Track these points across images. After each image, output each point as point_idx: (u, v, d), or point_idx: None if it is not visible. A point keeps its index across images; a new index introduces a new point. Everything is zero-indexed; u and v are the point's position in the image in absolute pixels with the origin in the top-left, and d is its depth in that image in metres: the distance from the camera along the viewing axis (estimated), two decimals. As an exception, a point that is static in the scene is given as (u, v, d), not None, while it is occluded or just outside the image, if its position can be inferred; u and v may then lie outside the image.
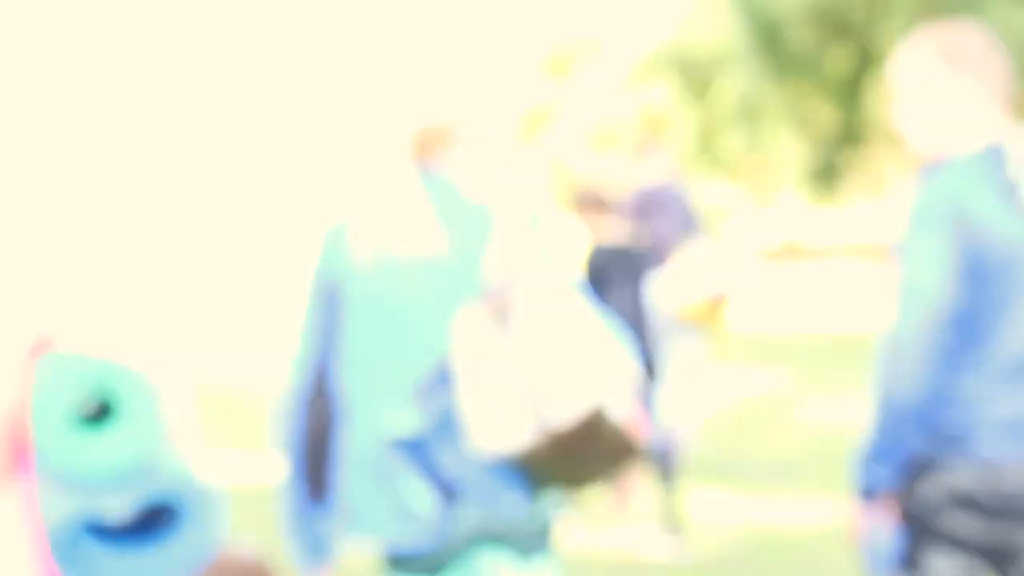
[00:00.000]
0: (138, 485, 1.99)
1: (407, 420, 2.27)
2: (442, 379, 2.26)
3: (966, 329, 2.35)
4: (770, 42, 19.82)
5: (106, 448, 1.93)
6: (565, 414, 2.17)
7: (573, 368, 2.20)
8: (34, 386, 1.90)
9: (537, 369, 2.18)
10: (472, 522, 2.30)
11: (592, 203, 5.55)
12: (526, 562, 2.36)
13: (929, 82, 2.43)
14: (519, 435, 2.17)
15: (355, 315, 2.33)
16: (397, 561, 2.35)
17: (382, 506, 2.32)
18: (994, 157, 2.36)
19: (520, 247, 2.33)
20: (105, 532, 2.03)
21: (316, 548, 2.41)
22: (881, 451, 2.41)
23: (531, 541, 2.37)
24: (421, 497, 2.28)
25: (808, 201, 22.04)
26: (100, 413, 1.96)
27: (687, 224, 6.60)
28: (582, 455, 2.26)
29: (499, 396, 2.18)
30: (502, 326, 2.21)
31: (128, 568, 2.04)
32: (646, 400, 2.52)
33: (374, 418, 2.31)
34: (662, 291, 6.02)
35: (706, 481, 6.27)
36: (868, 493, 2.42)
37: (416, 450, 2.28)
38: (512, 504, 2.31)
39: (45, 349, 1.93)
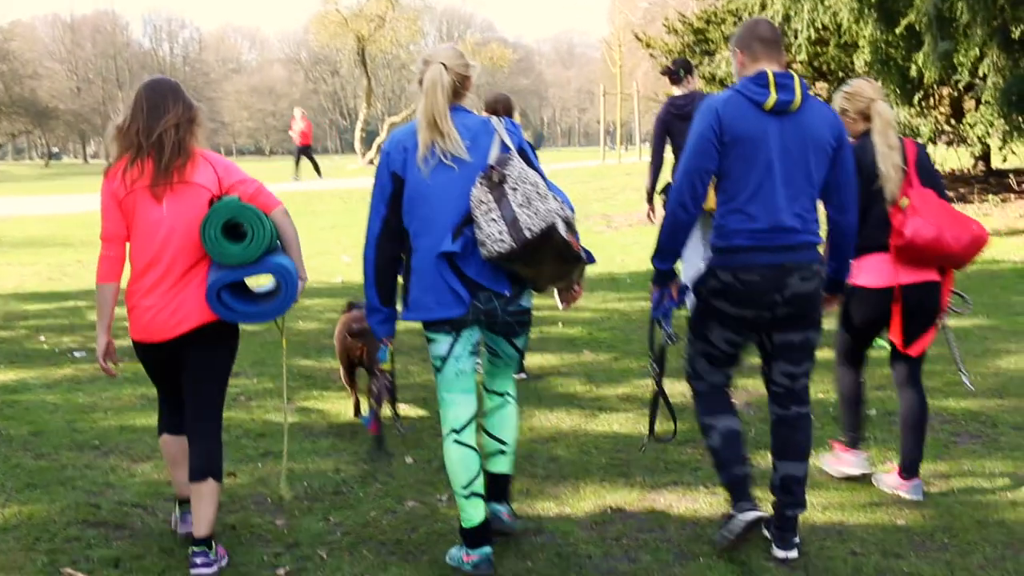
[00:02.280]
0: (254, 268, 4.17)
1: (450, 245, 4.05)
2: (468, 221, 4.05)
3: (727, 183, 4.22)
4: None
5: (235, 249, 4.12)
6: (537, 226, 3.91)
7: (537, 203, 3.95)
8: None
9: (515, 207, 3.92)
10: (484, 303, 4.14)
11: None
12: (512, 339, 4.33)
13: (732, 45, 4.48)
14: (505, 242, 3.92)
15: (413, 187, 4.14)
16: (437, 326, 4.21)
17: (432, 296, 4.14)
18: (760, 79, 4.21)
19: (505, 144, 4.16)
20: (235, 291, 4.22)
21: (386, 326, 4.36)
22: (662, 252, 4.32)
23: (516, 325, 4.27)
24: (458, 281, 4.10)
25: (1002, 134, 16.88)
26: (236, 230, 4.13)
27: None
28: (543, 258, 4.02)
29: (494, 223, 3.94)
30: (499, 191, 3.97)
31: (245, 311, 4.22)
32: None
33: (429, 245, 4.11)
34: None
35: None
36: (657, 276, 4.41)
37: (454, 260, 4.10)
38: (506, 291, 4.14)
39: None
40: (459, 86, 4.19)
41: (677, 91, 8.39)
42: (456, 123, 4.13)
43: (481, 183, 4.01)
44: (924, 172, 4.96)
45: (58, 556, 4.41)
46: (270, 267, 4.24)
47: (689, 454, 5.65)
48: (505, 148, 4.12)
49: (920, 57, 15.35)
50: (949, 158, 21.67)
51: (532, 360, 7.87)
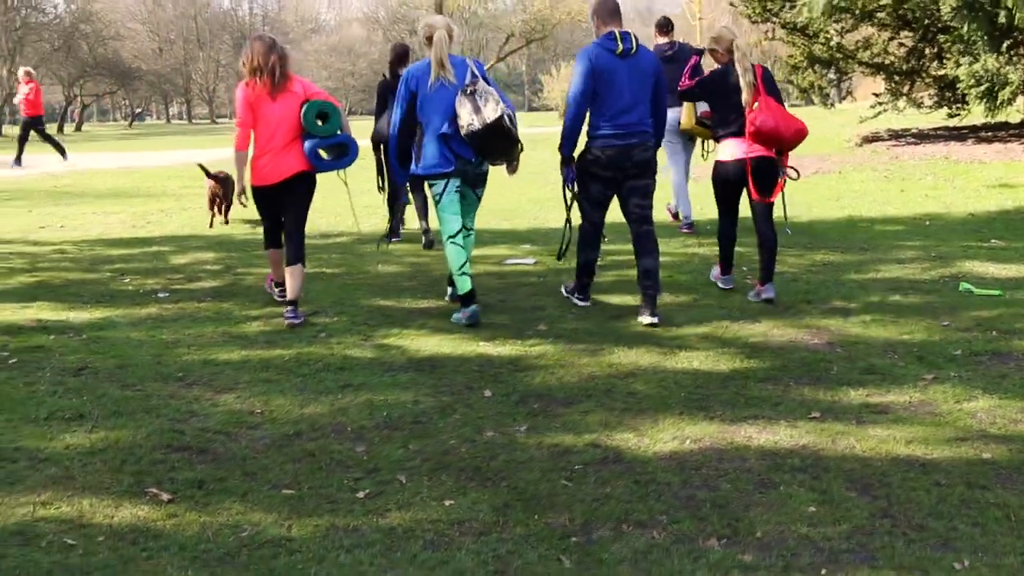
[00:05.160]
0: (334, 139, 7.49)
1: (446, 129, 7.08)
2: (454, 116, 7.05)
3: (596, 99, 7.16)
4: None
5: (323, 127, 7.42)
6: (491, 117, 6.90)
7: (491, 105, 6.93)
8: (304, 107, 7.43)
9: (481, 105, 6.93)
10: (462, 165, 7.18)
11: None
12: (476, 189, 7.41)
13: (591, 14, 7.46)
14: (475, 125, 6.93)
15: (423, 98, 7.11)
16: (436, 176, 7.20)
17: (437, 158, 7.13)
18: (611, 36, 7.18)
19: (474, 73, 7.10)
20: (323, 151, 7.53)
21: (403, 177, 7.58)
22: (565, 142, 7.31)
23: (478, 180, 7.38)
24: (449, 152, 7.12)
25: None
26: (324, 116, 7.44)
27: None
28: (497, 138, 6.99)
29: (469, 114, 6.97)
30: (471, 98, 6.98)
31: (329, 165, 7.55)
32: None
33: (434, 129, 7.11)
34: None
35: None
36: (563, 160, 7.39)
37: (448, 138, 7.10)
38: (472, 159, 7.18)
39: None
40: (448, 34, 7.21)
41: (662, 40, 11.20)
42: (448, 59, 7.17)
43: (461, 93, 6.97)
44: (768, 86, 7.58)
45: (143, 477, 4.50)
46: (342, 138, 7.48)
47: (770, 389, 5.59)
48: (473, 76, 7.03)
49: (1009, 1, 14.89)
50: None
51: (612, 300, 7.84)
